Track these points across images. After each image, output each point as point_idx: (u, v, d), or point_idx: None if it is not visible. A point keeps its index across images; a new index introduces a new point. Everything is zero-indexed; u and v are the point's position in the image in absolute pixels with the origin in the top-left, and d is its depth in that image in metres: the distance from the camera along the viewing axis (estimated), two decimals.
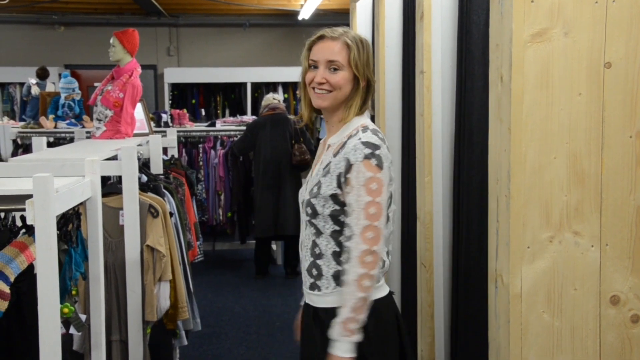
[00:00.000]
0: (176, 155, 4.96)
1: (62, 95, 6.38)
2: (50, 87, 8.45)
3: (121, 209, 3.11)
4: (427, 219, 3.05)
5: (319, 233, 2.11)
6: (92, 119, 5.09)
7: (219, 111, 10.80)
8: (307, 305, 2.20)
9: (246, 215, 6.77)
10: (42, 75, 8.71)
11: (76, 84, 6.41)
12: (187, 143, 6.81)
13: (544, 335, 1.91)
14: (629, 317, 1.92)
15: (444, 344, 3.12)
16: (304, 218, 2.16)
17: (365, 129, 2.07)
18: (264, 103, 6.47)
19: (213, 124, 7.24)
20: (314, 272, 2.13)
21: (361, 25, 4.51)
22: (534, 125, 1.84)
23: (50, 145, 5.14)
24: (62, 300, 2.10)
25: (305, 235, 2.17)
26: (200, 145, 6.78)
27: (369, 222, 1.98)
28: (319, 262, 2.12)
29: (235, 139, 6.80)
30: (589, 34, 1.84)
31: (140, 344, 3.14)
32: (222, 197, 6.77)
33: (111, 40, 4.31)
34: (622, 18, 1.84)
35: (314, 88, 2.12)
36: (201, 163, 6.73)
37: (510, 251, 1.87)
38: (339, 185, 2.04)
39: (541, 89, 1.84)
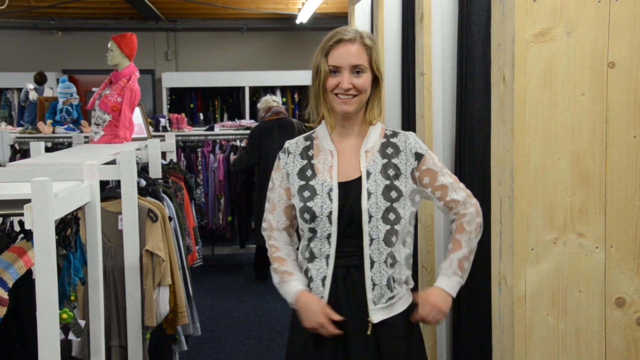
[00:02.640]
0: (175, 160, 4.95)
1: (60, 100, 6.36)
2: (48, 92, 8.43)
3: (120, 213, 3.09)
4: (428, 221, 3.03)
5: (393, 241, 2.06)
6: (90, 124, 5.07)
7: (217, 115, 10.78)
8: (359, 323, 2.08)
9: (246, 220, 6.74)
10: (40, 80, 8.69)
11: (74, 89, 6.39)
12: (185, 147, 6.79)
13: (548, 338, 1.89)
14: (634, 319, 1.90)
15: (446, 347, 3.10)
16: (379, 230, 2.04)
17: (392, 130, 2.19)
18: (263, 106, 6.34)
19: (211, 128, 7.23)
20: (392, 283, 2.09)
21: (360, 27, 4.50)
22: (537, 125, 1.83)
23: (48, 150, 5.10)
24: (61, 305, 2.08)
25: (373, 251, 2.05)
26: (199, 150, 6.77)
27: (462, 185, 2.18)
28: (394, 272, 2.09)
29: (234, 143, 6.78)
30: (592, 33, 1.82)
31: (139, 350, 3.11)
32: (222, 201, 6.75)
33: (109, 45, 4.29)
34: (625, 17, 1.82)
35: (336, 94, 2.06)
36: (200, 167, 6.71)
37: (514, 253, 1.85)
38: (414, 181, 2.12)
39: (544, 89, 1.82)
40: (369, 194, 2.05)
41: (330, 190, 2.07)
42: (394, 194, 2.06)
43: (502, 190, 1.92)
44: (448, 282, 2.12)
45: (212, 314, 5.40)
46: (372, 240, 2.05)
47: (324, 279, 2.09)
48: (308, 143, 2.19)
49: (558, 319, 1.88)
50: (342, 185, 2.08)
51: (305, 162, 2.15)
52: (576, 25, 1.81)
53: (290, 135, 6.00)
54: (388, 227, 2.05)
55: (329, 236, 2.07)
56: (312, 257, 2.11)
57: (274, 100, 6.37)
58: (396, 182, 2.08)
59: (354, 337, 2.08)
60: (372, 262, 2.06)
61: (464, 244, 2.12)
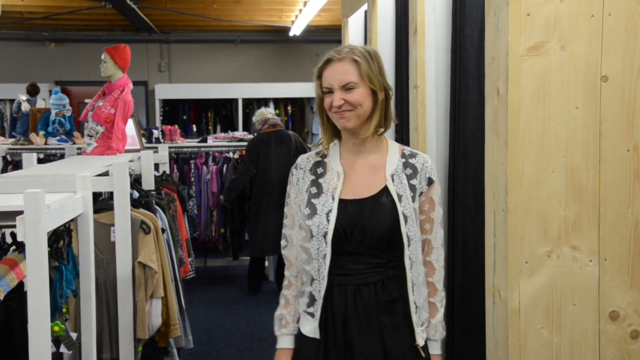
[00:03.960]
0: (167, 171, 4.94)
1: (53, 112, 6.34)
2: (40, 104, 8.41)
3: (112, 225, 3.07)
4: None
5: (414, 261, 2.09)
6: (82, 135, 5.06)
7: (210, 127, 10.78)
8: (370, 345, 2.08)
9: (239, 232, 6.72)
10: (33, 91, 8.67)
11: (67, 100, 6.38)
12: (178, 159, 6.78)
13: (542, 351, 1.88)
14: (628, 333, 1.90)
15: None
16: (418, 253, 2.10)
17: (410, 150, 2.20)
18: (258, 118, 6.30)
19: (204, 140, 7.22)
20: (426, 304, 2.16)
21: (353, 40, 4.51)
22: (531, 138, 1.83)
23: (40, 161, 5.10)
24: (53, 318, 2.07)
25: (414, 274, 2.08)
26: (192, 161, 6.75)
27: (442, 232, 2.18)
28: (419, 294, 2.11)
29: (227, 155, 6.77)
30: (585, 47, 1.83)
31: None
32: (215, 213, 6.74)
33: (102, 56, 4.29)
34: (618, 31, 1.84)
35: (335, 112, 2.06)
36: (193, 179, 6.70)
37: (508, 266, 1.85)
38: (415, 201, 2.13)
39: (538, 103, 1.83)
40: (405, 217, 2.05)
41: (330, 211, 2.07)
42: (414, 217, 2.09)
43: (496, 203, 1.92)
44: (438, 345, 2.18)
45: (204, 326, 5.37)
46: (412, 263, 2.07)
47: (324, 297, 2.09)
48: (319, 159, 2.19)
49: (552, 332, 1.88)
50: (354, 202, 2.08)
51: (313, 177, 2.15)
52: (570, 39, 1.82)
53: (287, 147, 5.98)
54: (420, 248, 2.13)
55: (324, 256, 2.07)
56: (310, 278, 2.11)
57: (270, 112, 6.35)
58: (414, 205, 2.10)
59: (363, 356, 2.07)
60: (414, 285, 2.08)
61: (439, 305, 2.16)
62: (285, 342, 2.20)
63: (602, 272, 1.88)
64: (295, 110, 10.97)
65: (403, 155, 2.15)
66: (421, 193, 2.12)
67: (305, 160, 2.20)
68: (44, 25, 10.26)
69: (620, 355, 1.90)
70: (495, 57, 1.89)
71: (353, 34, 4.53)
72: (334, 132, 2.15)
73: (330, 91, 2.06)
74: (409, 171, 2.12)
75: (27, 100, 8.07)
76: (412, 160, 2.14)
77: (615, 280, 1.88)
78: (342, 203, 2.07)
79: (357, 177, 2.12)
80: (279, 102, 10.69)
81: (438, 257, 2.15)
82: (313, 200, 2.10)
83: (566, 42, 1.82)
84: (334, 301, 2.08)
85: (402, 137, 3.55)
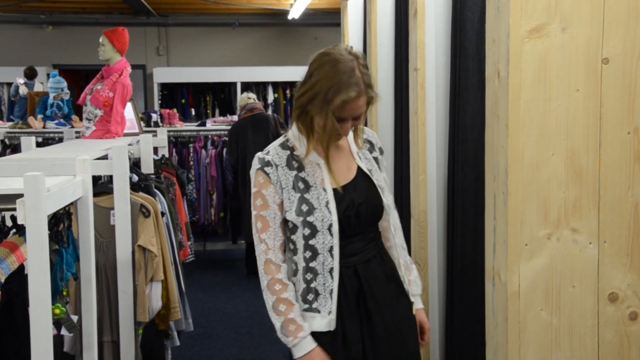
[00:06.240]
0: (167, 155, 4.93)
1: (51, 95, 6.32)
2: (38, 87, 8.37)
3: (112, 208, 3.07)
4: (421, 217, 3.03)
5: (396, 227, 2.28)
6: (81, 119, 5.04)
7: (208, 111, 10.75)
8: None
9: (238, 216, 6.73)
10: (30, 75, 8.62)
11: (65, 84, 6.35)
12: (177, 143, 6.77)
13: (542, 333, 1.89)
14: (627, 315, 1.91)
15: (438, 342, 3.10)
16: (396, 217, 2.27)
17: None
18: (240, 104, 6.31)
19: (203, 124, 7.20)
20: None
21: (353, 23, 4.49)
22: (531, 121, 1.83)
23: (39, 145, 5.09)
24: (54, 301, 2.07)
25: (398, 238, 2.27)
26: (191, 145, 6.75)
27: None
28: (402, 256, 2.27)
29: (226, 139, 6.76)
30: (586, 29, 1.82)
31: (132, 345, 3.10)
32: (214, 196, 6.74)
33: (100, 39, 4.27)
34: (619, 13, 1.83)
35: (337, 133, 2.09)
36: (192, 163, 6.69)
37: (508, 249, 1.85)
38: (382, 171, 2.29)
39: (539, 85, 1.82)
40: (382, 188, 2.20)
41: (328, 202, 2.08)
42: (384, 187, 2.24)
43: (496, 185, 1.92)
44: (420, 300, 2.31)
45: (204, 309, 5.39)
46: (395, 229, 2.25)
47: (331, 293, 2.09)
48: (288, 153, 2.14)
49: (552, 314, 1.89)
50: (343, 189, 2.12)
51: (295, 173, 2.11)
52: (571, 21, 1.81)
53: (265, 131, 5.94)
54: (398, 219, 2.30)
55: (331, 248, 2.08)
56: (315, 274, 2.10)
57: (249, 97, 6.31)
58: (383, 176, 2.26)
59: (380, 325, 2.16)
60: (400, 248, 2.27)
61: (409, 261, 2.31)
62: (309, 343, 2.07)
63: (602, 255, 1.88)
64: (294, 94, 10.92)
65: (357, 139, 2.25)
66: (377, 161, 2.27)
67: (276, 157, 2.13)
68: (41, 8, 10.20)
69: (619, 337, 1.91)
70: (496, 39, 1.88)
71: (352, 17, 4.51)
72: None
73: (342, 119, 2.06)
74: (366, 145, 2.26)
75: (25, 83, 8.03)
76: (364, 136, 2.26)
77: (614, 263, 1.89)
78: (334, 192, 2.10)
79: (335, 164, 2.15)
80: (277, 86, 10.64)
81: (394, 218, 2.27)
82: (306, 196, 2.08)
83: (567, 25, 1.81)
84: (346, 285, 2.09)
85: (402, 120, 3.54)
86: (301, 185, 2.10)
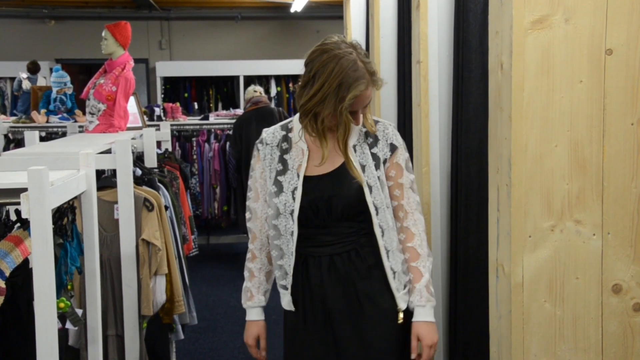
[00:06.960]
0: (170, 149, 4.93)
1: (54, 90, 6.33)
2: (41, 81, 8.38)
3: (116, 202, 3.08)
4: (424, 210, 3.03)
5: (386, 228, 2.13)
6: (84, 113, 5.05)
7: (211, 105, 10.76)
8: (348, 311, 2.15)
9: (243, 209, 6.74)
10: (33, 69, 8.63)
11: (68, 78, 6.36)
12: (180, 137, 6.78)
13: (545, 325, 1.89)
14: (630, 306, 1.91)
15: (442, 335, 3.11)
16: (388, 219, 2.14)
17: (371, 118, 2.21)
18: (246, 97, 6.35)
19: (206, 118, 7.21)
20: (405, 268, 2.19)
21: (355, 16, 4.49)
22: (534, 113, 1.82)
23: (42, 139, 5.10)
24: (58, 294, 2.08)
25: (386, 241, 2.14)
26: (194, 139, 6.75)
27: (417, 197, 2.18)
28: (395, 260, 2.15)
29: (229, 132, 6.76)
30: (589, 20, 1.82)
31: (136, 339, 3.12)
32: (218, 190, 6.75)
33: (103, 33, 4.27)
34: (623, 4, 1.82)
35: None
36: (195, 156, 6.70)
37: (511, 240, 1.85)
38: (380, 169, 2.16)
39: (542, 77, 1.82)
40: (370, 187, 2.11)
41: (295, 189, 2.11)
42: (378, 185, 2.13)
43: (500, 177, 1.91)
44: (425, 311, 2.17)
45: (208, 303, 5.41)
46: (383, 231, 2.12)
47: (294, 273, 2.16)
48: (284, 133, 2.21)
49: (555, 306, 1.89)
50: (319, 178, 2.12)
51: (279, 154, 2.17)
52: (574, 12, 1.81)
53: (269, 124, 5.91)
54: (391, 214, 2.15)
55: (292, 233, 2.11)
56: (281, 252, 2.16)
57: (255, 90, 6.33)
58: (378, 173, 2.14)
59: (342, 325, 2.14)
60: (387, 251, 2.13)
61: (423, 270, 2.16)
62: (253, 314, 2.35)
63: (605, 246, 1.88)
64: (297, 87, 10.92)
65: (364, 125, 2.18)
66: (385, 160, 2.15)
67: (271, 136, 2.21)
68: (44, 2, 10.20)
69: (623, 328, 1.91)
70: (499, 31, 1.88)
71: (355, 10, 4.50)
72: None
73: (353, 112, 2.08)
74: (370, 140, 2.16)
75: (28, 78, 8.04)
76: (376, 129, 2.19)
77: (618, 254, 1.88)
78: (307, 179, 2.11)
79: (319, 152, 2.13)
80: (280, 79, 10.63)
81: (415, 221, 2.17)
82: (279, 178, 2.13)
83: (570, 15, 1.81)
84: (310, 273, 2.13)
85: (405, 112, 3.54)
86: (280, 166, 2.14)
